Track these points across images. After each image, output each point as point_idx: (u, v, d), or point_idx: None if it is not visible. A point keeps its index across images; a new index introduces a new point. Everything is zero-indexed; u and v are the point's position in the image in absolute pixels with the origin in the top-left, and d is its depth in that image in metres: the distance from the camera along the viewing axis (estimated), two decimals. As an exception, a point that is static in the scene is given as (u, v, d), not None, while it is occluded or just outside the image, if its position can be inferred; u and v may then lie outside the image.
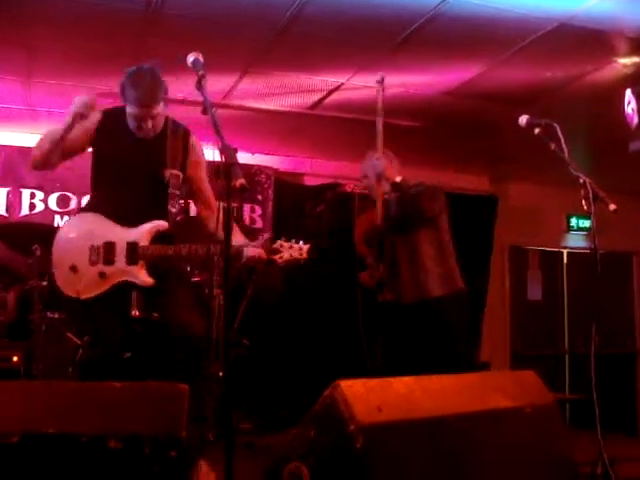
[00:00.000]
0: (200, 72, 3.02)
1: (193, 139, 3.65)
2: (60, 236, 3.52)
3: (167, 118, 3.57)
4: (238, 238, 3.38)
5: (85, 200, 6.47)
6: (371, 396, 2.17)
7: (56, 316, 5.11)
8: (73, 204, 6.56)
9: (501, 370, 7.57)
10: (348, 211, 6.33)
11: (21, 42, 4.83)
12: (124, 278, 3.40)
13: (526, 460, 2.51)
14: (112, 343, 3.41)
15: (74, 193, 6.57)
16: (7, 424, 1.87)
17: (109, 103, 5.87)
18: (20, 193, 6.47)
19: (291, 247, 3.37)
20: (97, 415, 1.93)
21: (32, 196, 6.50)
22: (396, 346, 4.16)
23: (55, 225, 6.38)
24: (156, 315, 3.88)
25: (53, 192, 6.54)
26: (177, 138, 3.56)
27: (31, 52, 5.00)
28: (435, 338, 4.12)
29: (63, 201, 6.56)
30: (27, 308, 5.25)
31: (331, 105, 6.07)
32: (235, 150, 2.58)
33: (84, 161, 6.62)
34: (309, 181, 7.71)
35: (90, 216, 3.51)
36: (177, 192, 3.51)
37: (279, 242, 3.39)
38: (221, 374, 5.18)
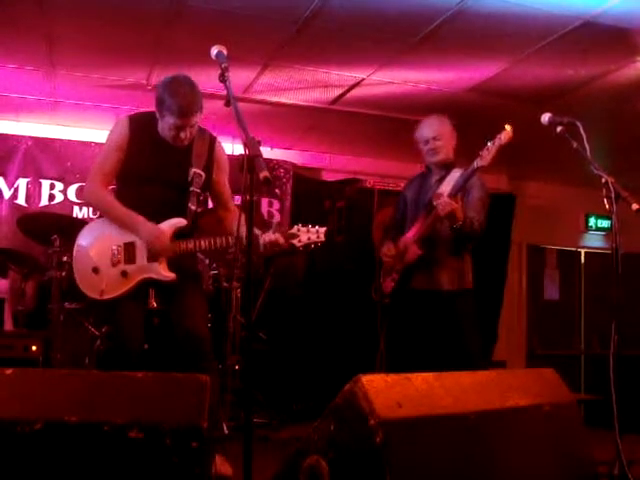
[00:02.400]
0: (224, 65, 3.03)
1: (218, 145, 3.71)
2: (80, 240, 3.58)
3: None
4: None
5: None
6: (391, 391, 2.17)
7: (74, 306, 5.14)
8: (92, 196, 6.58)
9: (517, 368, 7.54)
10: (368, 207, 6.34)
11: (43, 33, 4.85)
12: (146, 275, 3.46)
13: (545, 458, 2.50)
14: (133, 335, 3.44)
15: (93, 184, 6.58)
16: (31, 411, 1.88)
17: (129, 94, 5.96)
18: (40, 184, 6.50)
19: (308, 231, 3.44)
20: (119, 405, 1.94)
21: (52, 187, 6.53)
22: (410, 339, 4.16)
23: (74, 216, 6.41)
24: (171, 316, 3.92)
25: (72, 183, 6.56)
26: (203, 142, 3.61)
27: (53, 43, 5.03)
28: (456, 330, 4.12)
29: (82, 192, 6.57)
30: (46, 298, 5.28)
31: (351, 101, 6.06)
32: (259, 142, 2.58)
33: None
34: (327, 176, 7.71)
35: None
36: (198, 190, 3.54)
37: (296, 227, 3.46)
38: (237, 367, 5.20)
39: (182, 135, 3.43)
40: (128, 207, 3.46)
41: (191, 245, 3.45)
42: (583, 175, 3.71)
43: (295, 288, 6.72)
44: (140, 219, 3.42)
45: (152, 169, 3.50)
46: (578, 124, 3.64)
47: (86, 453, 1.89)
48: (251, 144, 2.57)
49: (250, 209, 2.49)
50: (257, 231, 3.42)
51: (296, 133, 7.14)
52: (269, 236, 3.39)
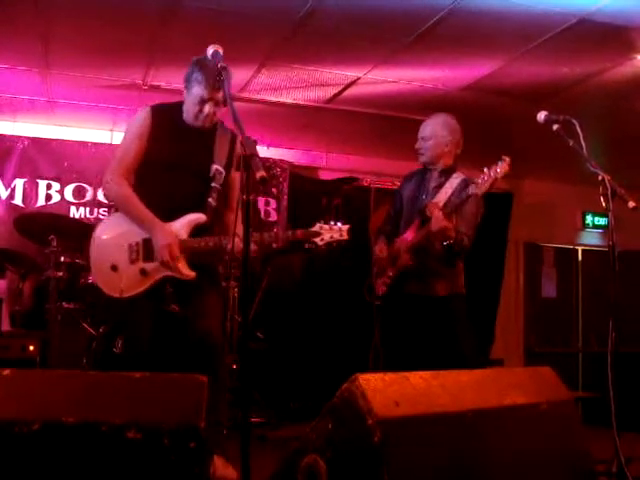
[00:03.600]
0: (220, 64, 3.03)
1: (239, 143, 3.64)
2: (97, 236, 3.51)
3: (218, 122, 3.59)
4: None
5: (101, 192, 6.53)
6: (389, 390, 2.17)
7: (72, 306, 5.14)
8: (89, 195, 6.59)
9: (514, 366, 7.55)
10: (364, 205, 6.34)
11: (39, 33, 4.84)
12: (166, 273, 3.38)
13: (543, 456, 2.51)
14: (144, 334, 3.40)
15: (90, 184, 6.59)
16: (28, 412, 1.88)
17: (125, 94, 5.96)
18: (37, 184, 6.49)
19: (331, 229, 3.39)
20: (117, 405, 1.94)
21: (48, 187, 6.53)
22: (407, 339, 4.16)
23: (71, 216, 6.41)
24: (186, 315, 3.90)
25: (69, 183, 6.56)
26: (225, 139, 3.57)
27: (49, 43, 5.02)
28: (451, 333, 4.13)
29: (79, 192, 6.58)
30: (43, 298, 5.28)
31: (347, 99, 6.06)
32: (255, 142, 2.57)
33: (100, 153, 6.73)
34: (324, 175, 7.72)
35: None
36: (219, 187, 3.50)
37: (318, 225, 3.40)
38: (235, 367, 5.21)
39: (206, 109, 3.38)
40: (150, 195, 3.40)
41: (211, 243, 3.36)
42: (580, 173, 3.71)
43: (292, 287, 6.72)
44: (156, 223, 3.35)
45: (175, 156, 3.44)
46: (574, 122, 3.64)
47: (84, 454, 1.89)
48: (247, 143, 2.57)
49: (247, 208, 2.49)
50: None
51: (292, 132, 7.14)
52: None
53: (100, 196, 6.60)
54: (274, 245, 3.39)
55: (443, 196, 4.16)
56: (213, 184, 3.48)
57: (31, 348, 4.84)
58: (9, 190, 6.40)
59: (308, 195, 7.30)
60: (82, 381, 2.05)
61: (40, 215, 5.86)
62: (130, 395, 1.97)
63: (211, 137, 3.55)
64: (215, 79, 3.26)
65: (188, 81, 3.42)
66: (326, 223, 3.41)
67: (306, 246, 3.44)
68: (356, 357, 5.42)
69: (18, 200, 6.42)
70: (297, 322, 6.59)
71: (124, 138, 3.56)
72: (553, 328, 8.72)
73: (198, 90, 3.37)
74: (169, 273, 3.38)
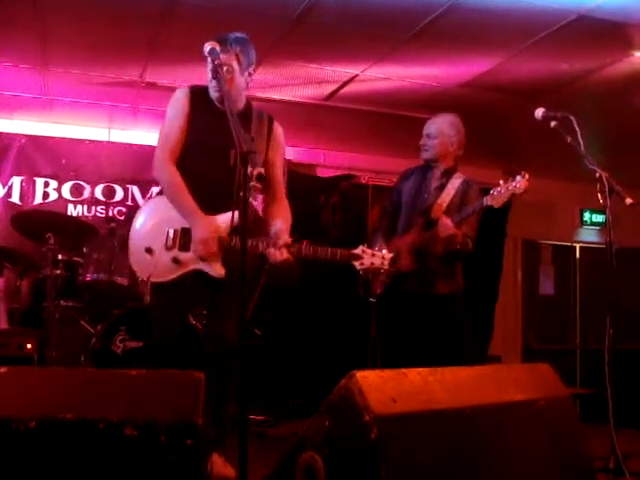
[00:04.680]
0: (217, 61, 3.02)
1: (276, 125, 3.61)
2: (139, 217, 3.48)
3: (251, 104, 3.55)
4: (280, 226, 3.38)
5: (99, 190, 6.53)
6: (386, 387, 2.17)
7: (69, 304, 5.14)
8: (87, 193, 6.58)
9: (512, 363, 7.55)
10: (362, 202, 6.34)
11: (37, 30, 4.84)
12: (198, 267, 3.33)
13: (540, 452, 2.51)
14: (171, 324, 3.38)
15: (88, 182, 6.59)
16: (25, 410, 1.88)
17: (123, 92, 5.95)
18: (34, 182, 6.49)
19: (373, 255, 3.31)
20: (114, 402, 1.93)
21: (46, 185, 6.52)
22: (407, 337, 4.17)
23: (69, 213, 6.41)
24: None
25: (67, 181, 6.55)
26: (262, 124, 3.51)
27: (46, 41, 5.01)
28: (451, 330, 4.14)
29: (77, 190, 6.57)
30: (41, 296, 5.27)
31: (345, 97, 6.06)
32: (252, 139, 2.57)
33: (98, 150, 6.73)
34: (322, 172, 7.71)
35: None
36: (259, 186, 3.43)
37: (361, 248, 3.32)
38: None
39: (221, 72, 3.17)
40: (193, 179, 3.32)
41: (252, 244, 3.28)
42: (578, 170, 3.71)
43: (291, 284, 6.71)
44: (197, 216, 3.28)
45: (216, 137, 3.34)
46: (572, 119, 3.64)
47: (81, 451, 1.89)
48: (244, 141, 2.57)
49: (244, 206, 2.49)
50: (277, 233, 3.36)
51: (290, 129, 7.07)
52: (279, 255, 3.26)
53: (97, 194, 6.60)
54: (309, 257, 3.32)
55: (446, 197, 4.17)
56: (252, 183, 3.40)
57: (29, 346, 4.84)
58: (6, 188, 6.40)
59: (306, 192, 7.28)
60: (79, 378, 2.05)
61: (37, 213, 5.85)
62: (127, 392, 1.97)
63: (247, 121, 3.46)
64: (228, 37, 3.27)
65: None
66: (369, 247, 3.34)
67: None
68: (354, 354, 5.42)
69: (15, 198, 6.42)
70: (295, 319, 6.58)
71: (165, 120, 3.46)
72: (551, 325, 8.72)
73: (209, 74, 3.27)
74: (201, 267, 3.33)
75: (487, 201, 3.86)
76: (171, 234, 3.36)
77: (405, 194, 4.35)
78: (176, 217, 3.35)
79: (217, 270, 3.33)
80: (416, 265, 4.11)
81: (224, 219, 3.32)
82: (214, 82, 3.32)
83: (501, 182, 3.83)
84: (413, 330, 4.15)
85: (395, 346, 4.20)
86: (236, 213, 3.19)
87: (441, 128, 4.22)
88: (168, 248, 3.35)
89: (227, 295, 3.36)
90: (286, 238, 3.32)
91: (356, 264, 3.31)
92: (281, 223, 3.45)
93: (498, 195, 3.82)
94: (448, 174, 4.24)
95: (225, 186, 3.24)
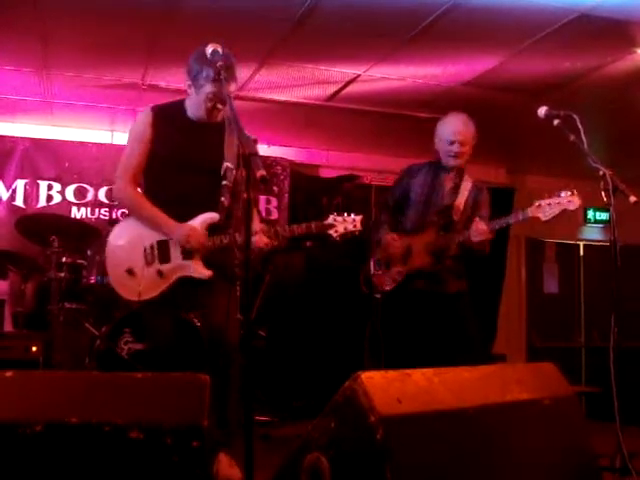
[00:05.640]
0: (219, 63, 3.02)
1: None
2: (111, 241, 3.53)
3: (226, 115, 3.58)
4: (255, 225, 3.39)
5: (102, 192, 6.54)
6: (391, 388, 2.17)
7: (74, 307, 5.14)
8: (90, 196, 6.59)
9: (517, 362, 7.55)
10: (365, 203, 6.34)
11: (38, 34, 4.84)
12: (183, 274, 3.41)
13: (545, 452, 2.51)
14: (164, 334, 3.46)
15: (91, 185, 6.60)
16: (31, 413, 1.88)
17: (125, 94, 5.95)
18: (37, 185, 6.50)
19: (344, 220, 3.43)
20: (119, 405, 1.94)
21: (49, 188, 6.53)
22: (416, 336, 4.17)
23: (72, 216, 6.42)
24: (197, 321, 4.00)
25: (70, 184, 6.56)
26: (234, 134, 3.50)
27: (48, 44, 5.02)
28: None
29: (80, 193, 6.58)
30: (45, 299, 5.28)
31: (348, 97, 6.05)
32: (255, 141, 2.58)
33: (101, 153, 6.74)
34: (325, 173, 7.71)
35: None
36: (230, 185, 3.49)
37: (332, 217, 3.44)
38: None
39: (219, 105, 3.35)
40: (160, 197, 3.41)
41: (226, 240, 3.38)
42: (581, 168, 3.70)
43: (294, 285, 6.72)
44: (170, 221, 3.38)
45: (185, 153, 3.44)
46: (575, 117, 3.64)
47: (87, 454, 1.89)
48: (247, 142, 2.57)
49: (248, 207, 2.49)
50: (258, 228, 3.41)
51: (293, 130, 7.14)
52: (258, 241, 3.33)
53: (101, 196, 6.61)
54: (287, 236, 3.42)
55: (461, 199, 4.24)
56: (225, 182, 3.47)
57: (34, 349, 4.85)
58: (10, 191, 6.41)
59: (309, 193, 7.30)
60: (84, 382, 2.05)
61: (41, 216, 5.87)
62: (132, 395, 1.97)
63: (220, 133, 3.53)
64: (232, 69, 3.29)
65: (195, 78, 3.37)
66: (338, 215, 3.45)
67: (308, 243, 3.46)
68: (359, 355, 5.42)
69: (19, 201, 6.43)
70: (300, 320, 6.59)
71: (127, 142, 3.55)
72: (555, 323, 8.71)
73: (209, 88, 3.33)
74: (185, 273, 3.41)
75: (531, 212, 3.89)
76: (148, 249, 3.43)
77: (415, 191, 4.33)
78: (147, 233, 3.43)
79: (201, 272, 3.41)
80: (434, 265, 4.14)
81: (196, 223, 3.41)
82: (208, 86, 3.34)
83: (546, 196, 3.84)
84: (423, 329, 4.16)
85: (404, 346, 4.19)
86: (206, 215, 3.41)
87: (469, 136, 4.26)
88: (149, 263, 3.42)
89: (216, 292, 3.44)
90: (259, 224, 3.43)
91: (331, 232, 3.43)
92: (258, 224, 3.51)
93: (549, 209, 3.83)
94: (460, 174, 4.28)
95: (197, 203, 3.41)
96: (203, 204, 3.44)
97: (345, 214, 3.45)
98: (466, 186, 4.26)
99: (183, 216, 3.42)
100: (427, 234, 4.20)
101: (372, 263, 4.37)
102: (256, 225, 3.40)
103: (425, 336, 4.15)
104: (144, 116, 3.49)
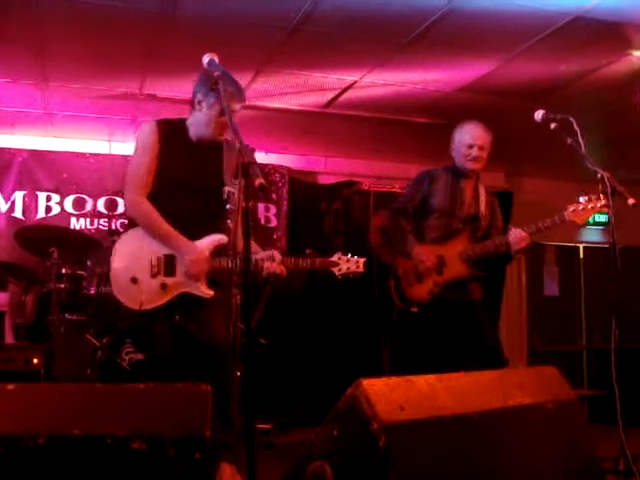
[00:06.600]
0: (216, 73, 3.03)
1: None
2: (118, 250, 3.53)
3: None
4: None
5: (101, 202, 6.54)
6: (393, 394, 2.17)
7: (74, 317, 5.15)
8: (89, 207, 6.60)
9: (518, 366, 7.54)
10: (364, 209, 6.33)
11: (35, 46, 4.85)
12: (185, 290, 3.44)
13: (549, 456, 2.50)
14: (165, 345, 3.47)
15: (90, 195, 6.61)
16: (34, 426, 1.88)
17: (122, 104, 5.96)
18: (36, 196, 6.51)
19: (348, 260, 3.55)
20: (121, 416, 1.93)
21: (48, 199, 6.54)
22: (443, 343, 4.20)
23: (71, 227, 6.42)
24: (192, 327, 4.03)
25: (69, 195, 6.57)
26: (232, 154, 3.55)
27: (45, 56, 5.02)
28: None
29: (79, 203, 6.59)
30: (45, 310, 5.29)
31: (345, 103, 6.06)
32: (253, 150, 2.58)
33: (100, 164, 6.75)
34: (323, 180, 7.70)
35: None
36: (234, 207, 3.51)
37: (337, 255, 3.57)
38: (239, 374, 5.20)
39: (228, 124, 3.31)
40: (164, 215, 3.43)
41: (230, 265, 3.42)
42: (579, 170, 3.71)
43: (295, 292, 6.71)
44: (180, 241, 3.41)
45: (188, 174, 3.47)
46: (572, 120, 3.65)
47: (90, 466, 1.89)
48: (245, 151, 2.57)
49: (246, 217, 2.49)
50: (260, 252, 3.46)
51: (290, 137, 7.15)
52: (274, 267, 3.39)
53: (100, 206, 6.61)
54: (291, 268, 3.49)
55: (483, 206, 4.30)
56: (229, 206, 3.49)
57: (35, 361, 4.84)
58: (9, 203, 6.42)
59: (308, 200, 7.30)
60: (86, 393, 2.05)
61: (41, 227, 5.88)
62: (134, 406, 1.97)
63: (219, 154, 3.56)
64: (240, 90, 3.38)
65: (205, 96, 3.39)
66: (343, 254, 3.57)
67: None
68: (360, 361, 5.42)
69: (18, 213, 6.44)
70: (301, 327, 6.58)
71: (134, 154, 3.55)
72: (556, 326, 8.69)
73: (218, 106, 3.34)
74: (188, 290, 3.44)
75: (569, 216, 3.93)
76: (154, 261, 3.44)
77: (437, 198, 4.32)
78: (155, 245, 3.45)
79: (204, 291, 3.45)
80: (470, 273, 4.16)
81: (204, 243, 3.46)
82: (210, 98, 3.37)
83: (581, 199, 3.87)
84: (454, 337, 4.18)
85: (443, 355, 4.18)
86: (216, 236, 3.46)
87: (488, 140, 4.28)
88: (153, 275, 3.43)
89: (214, 307, 3.48)
90: (279, 255, 3.48)
91: (335, 270, 3.56)
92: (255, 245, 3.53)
93: (582, 212, 3.89)
94: (477, 180, 4.32)
95: (199, 224, 3.45)
96: (205, 225, 3.48)
97: (349, 255, 3.57)
98: (482, 192, 4.31)
99: (187, 236, 3.45)
100: (458, 242, 4.21)
101: (401, 276, 4.35)
102: (268, 252, 3.49)
103: (459, 344, 4.18)
104: (151, 128, 3.50)
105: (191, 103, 3.51)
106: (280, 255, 3.47)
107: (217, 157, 3.54)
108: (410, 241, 4.27)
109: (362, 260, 3.56)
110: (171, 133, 3.51)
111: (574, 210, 3.89)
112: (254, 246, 3.47)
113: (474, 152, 4.22)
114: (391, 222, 4.43)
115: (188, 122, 3.55)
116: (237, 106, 3.37)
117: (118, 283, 3.47)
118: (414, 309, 4.25)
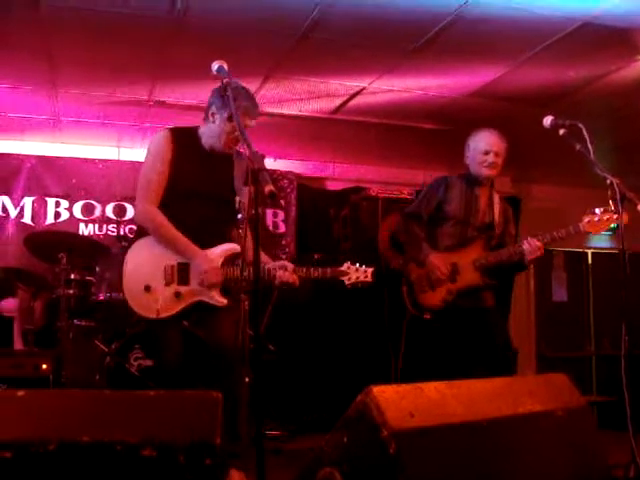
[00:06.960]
0: (225, 80, 3.04)
1: None
2: (130, 259, 3.53)
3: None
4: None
5: (109, 208, 6.56)
6: (403, 402, 2.17)
7: (83, 323, 5.15)
8: (98, 212, 6.62)
9: (527, 372, 7.52)
10: (373, 215, 6.33)
11: (45, 53, 4.86)
12: (199, 298, 3.47)
13: (559, 463, 2.50)
14: (175, 352, 3.47)
15: (98, 201, 6.63)
16: (44, 432, 1.88)
17: (131, 110, 5.98)
18: (45, 202, 6.53)
19: (357, 270, 3.61)
20: (131, 423, 1.94)
21: (57, 205, 6.56)
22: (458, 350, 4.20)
23: (80, 233, 6.44)
24: (201, 333, 4.01)
25: (78, 200, 6.59)
26: (242, 164, 3.58)
27: (54, 62, 5.04)
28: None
29: (88, 209, 6.61)
30: (54, 316, 5.29)
31: (353, 109, 6.06)
32: (263, 156, 2.59)
33: (109, 169, 6.77)
34: (332, 185, 7.70)
35: None
36: (245, 217, 3.53)
37: (346, 265, 3.62)
38: (247, 380, 5.20)
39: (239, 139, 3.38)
40: (175, 223, 3.44)
41: (243, 274, 3.39)
42: (588, 176, 3.70)
43: (304, 298, 6.71)
44: (192, 251, 3.43)
45: (200, 184, 3.49)
46: (580, 126, 3.64)
47: (100, 473, 1.89)
48: (255, 158, 2.58)
49: (256, 224, 2.50)
50: (270, 263, 3.50)
51: (299, 143, 7.15)
52: (286, 276, 3.44)
53: (109, 212, 6.63)
54: (302, 277, 3.54)
55: (497, 214, 4.32)
56: (240, 215, 3.55)
57: (44, 366, 4.84)
58: (18, 209, 6.44)
59: (316, 206, 7.30)
60: (97, 400, 2.06)
61: (50, 233, 5.89)
62: (145, 413, 1.97)
63: (230, 163, 3.59)
64: (256, 105, 3.42)
65: (219, 110, 3.42)
66: (352, 264, 3.62)
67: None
68: (369, 368, 5.41)
69: (27, 218, 6.46)
70: (309, 333, 6.57)
71: (146, 162, 3.56)
72: (565, 332, 8.66)
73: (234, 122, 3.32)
74: (202, 298, 3.46)
75: (584, 227, 3.97)
76: (169, 269, 3.46)
77: (453, 206, 4.34)
78: (168, 254, 3.46)
79: (218, 299, 3.48)
80: (483, 281, 4.17)
81: (217, 251, 3.50)
82: (223, 112, 3.39)
83: (597, 211, 3.86)
84: (466, 344, 4.17)
85: (447, 361, 4.19)
86: (228, 246, 3.50)
87: (505, 148, 4.30)
88: (167, 283, 3.45)
89: (223, 314, 3.51)
90: (291, 265, 3.53)
91: (344, 279, 3.62)
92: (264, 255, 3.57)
93: (598, 224, 3.90)
94: (492, 187, 4.32)
95: (211, 229, 3.49)
96: (216, 234, 3.52)
97: (358, 264, 3.62)
98: (496, 199, 4.32)
99: (198, 245, 3.46)
100: (472, 250, 4.21)
101: (414, 282, 4.35)
102: (280, 262, 3.54)
103: (471, 351, 4.17)
104: (164, 136, 3.51)
105: (205, 113, 3.52)
106: (292, 265, 3.50)
107: (228, 166, 3.58)
108: (424, 249, 4.28)
109: (370, 270, 3.61)
110: (184, 142, 3.52)
111: (589, 221, 3.89)
112: (264, 257, 3.49)
113: (490, 158, 4.23)
114: (403, 227, 4.43)
115: (200, 131, 3.57)
116: (251, 122, 3.40)
117: (131, 291, 3.47)
118: (427, 316, 4.26)
